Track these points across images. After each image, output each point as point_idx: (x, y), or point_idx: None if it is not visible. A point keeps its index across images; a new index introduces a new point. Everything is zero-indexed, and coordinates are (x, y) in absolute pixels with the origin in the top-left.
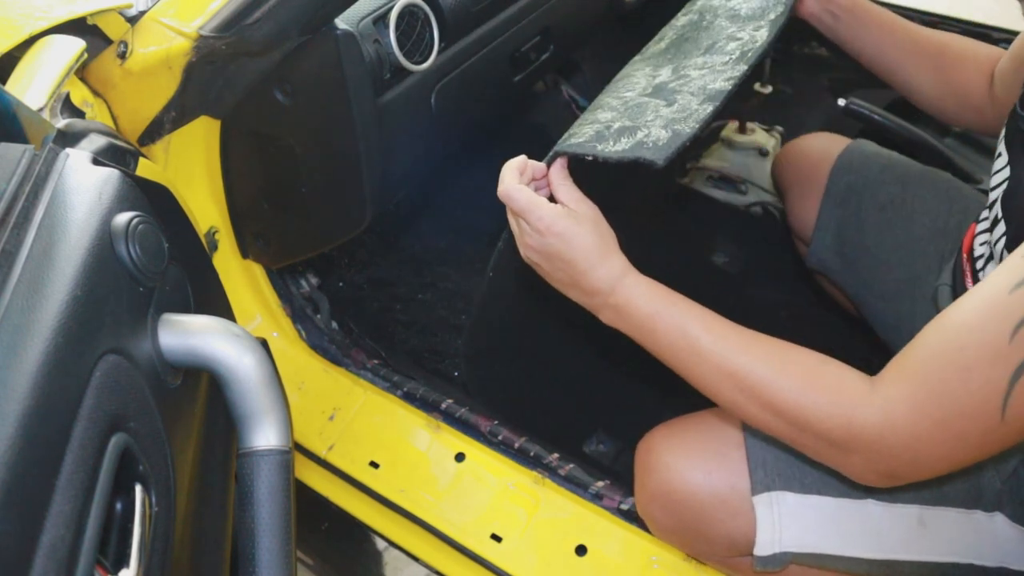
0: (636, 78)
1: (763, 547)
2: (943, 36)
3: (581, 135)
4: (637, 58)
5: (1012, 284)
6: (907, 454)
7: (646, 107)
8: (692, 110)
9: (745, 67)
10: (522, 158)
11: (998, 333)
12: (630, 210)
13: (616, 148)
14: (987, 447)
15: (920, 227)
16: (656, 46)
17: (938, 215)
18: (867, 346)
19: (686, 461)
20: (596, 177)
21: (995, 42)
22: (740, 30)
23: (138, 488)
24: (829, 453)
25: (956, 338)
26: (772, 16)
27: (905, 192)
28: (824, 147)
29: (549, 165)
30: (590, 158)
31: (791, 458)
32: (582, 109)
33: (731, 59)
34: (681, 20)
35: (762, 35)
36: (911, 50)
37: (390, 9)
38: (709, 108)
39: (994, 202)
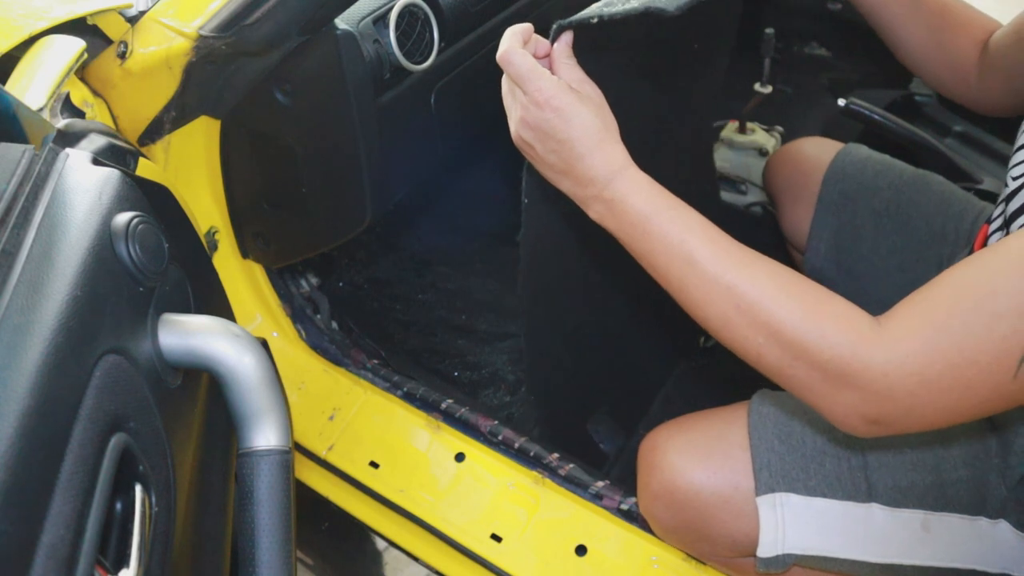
0: None
1: (766, 548)
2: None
3: (586, 11)
4: None
5: None
6: (906, 399)
7: None
8: None
9: None
10: (527, 25)
11: None
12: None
13: (619, 8)
14: (991, 403)
15: (917, 232)
16: None
17: (934, 219)
18: None
19: (690, 460)
20: (607, 74)
21: None
22: None
23: (138, 488)
24: (819, 388)
25: (989, 282)
26: None
27: (900, 197)
28: (815, 153)
29: (553, 41)
30: (595, 20)
31: (796, 460)
32: None
33: None
34: None
35: None
36: (912, 5)
37: (390, 9)
38: None
39: (1018, 189)
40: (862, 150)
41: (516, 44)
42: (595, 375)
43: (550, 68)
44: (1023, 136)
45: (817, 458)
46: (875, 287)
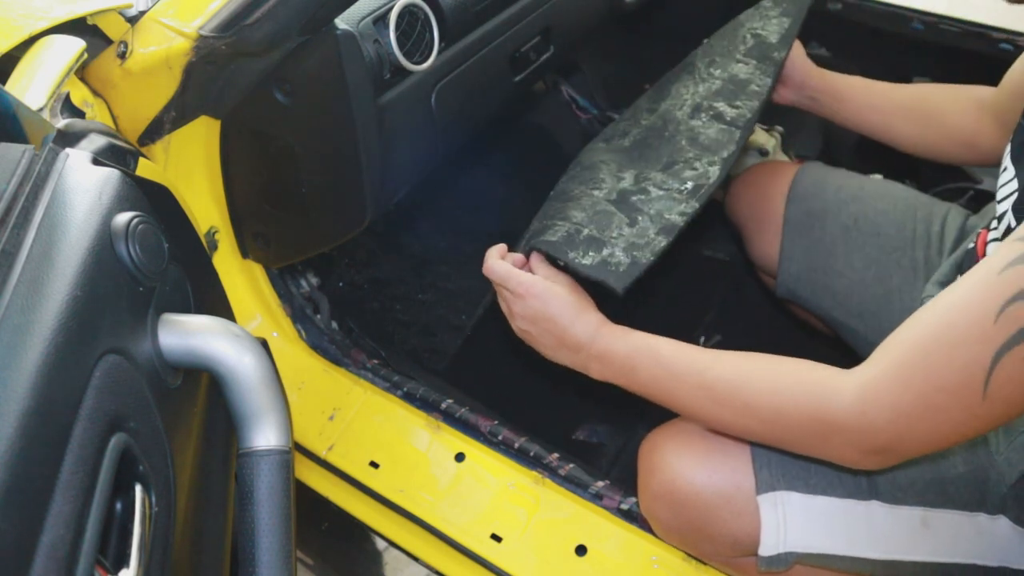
0: (602, 174)
1: (767, 547)
2: (919, 89)
3: (554, 231)
4: (602, 145)
5: (1002, 266)
6: (890, 428)
7: (611, 219)
8: (650, 239)
9: (697, 205)
10: (502, 245)
11: (985, 312)
12: None
13: (585, 262)
14: (970, 424)
15: (890, 240)
16: (620, 141)
17: (904, 225)
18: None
19: (690, 460)
20: None
21: (995, 42)
22: (697, 159)
23: (138, 488)
24: (812, 443)
25: (945, 315)
26: (725, 154)
27: (867, 208)
28: (771, 177)
29: (527, 254)
30: (562, 263)
31: (796, 458)
32: (582, 109)
33: (686, 190)
34: (644, 121)
35: (714, 172)
36: (890, 110)
37: (390, 9)
38: (663, 242)
39: (1003, 213)
40: (818, 168)
41: (495, 257)
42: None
43: (529, 271)
44: (1007, 158)
45: None
46: (855, 301)
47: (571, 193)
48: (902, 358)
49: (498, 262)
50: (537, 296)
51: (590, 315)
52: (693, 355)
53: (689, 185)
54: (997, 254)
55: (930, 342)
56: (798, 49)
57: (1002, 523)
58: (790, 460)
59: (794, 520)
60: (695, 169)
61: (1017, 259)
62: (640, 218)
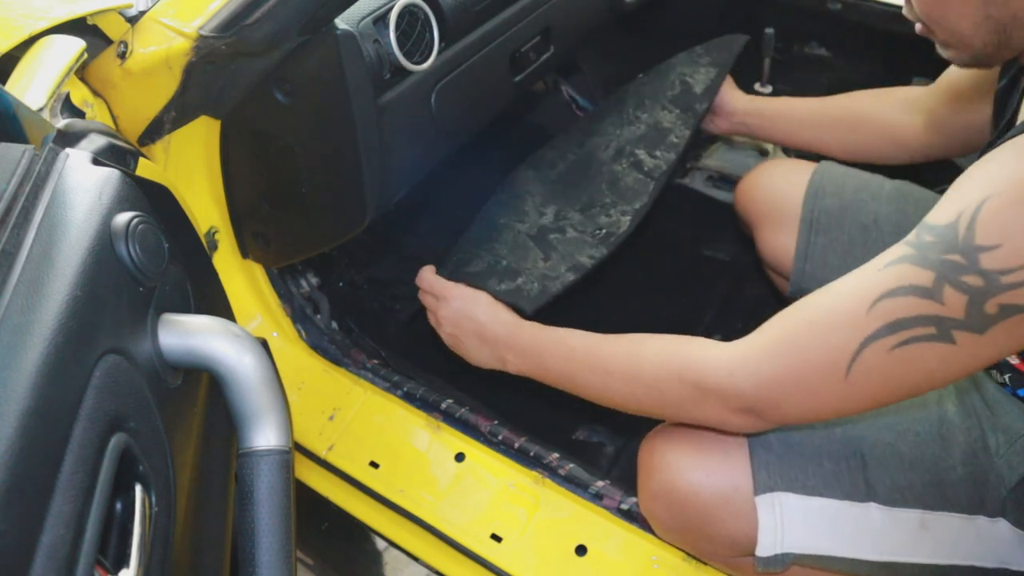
0: (527, 206)
1: (765, 548)
2: (846, 98)
3: (477, 263)
4: (531, 173)
5: (886, 263)
6: (757, 392)
7: (529, 253)
8: (560, 273)
9: (605, 251)
10: (432, 266)
11: (860, 302)
12: None
13: (502, 287)
14: (834, 404)
15: None
16: (548, 172)
17: None
18: None
19: (689, 460)
20: None
21: None
22: (613, 205)
23: (138, 488)
24: (689, 405)
25: (827, 300)
26: (638, 205)
27: (887, 208)
28: (788, 175)
29: (451, 279)
30: (487, 291)
31: (794, 460)
32: (582, 109)
33: (599, 236)
34: (571, 155)
35: (625, 222)
36: (819, 123)
37: (390, 9)
38: (572, 277)
39: None
40: (836, 167)
41: (427, 271)
42: None
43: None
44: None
45: (815, 458)
46: None
47: (497, 223)
48: (780, 333)
49: (430, 274)
50: (460, 298)
51: (508, 315)
52: (593, 338)
53: (602, 232)
54: (886, 252)
55: (807, 322)
56: (726, 81)
57: (1002, 526)
58: (788, 462)
59: (791, 521)
60: (609, 216)
61: (899, 258)
62: (554, 255)
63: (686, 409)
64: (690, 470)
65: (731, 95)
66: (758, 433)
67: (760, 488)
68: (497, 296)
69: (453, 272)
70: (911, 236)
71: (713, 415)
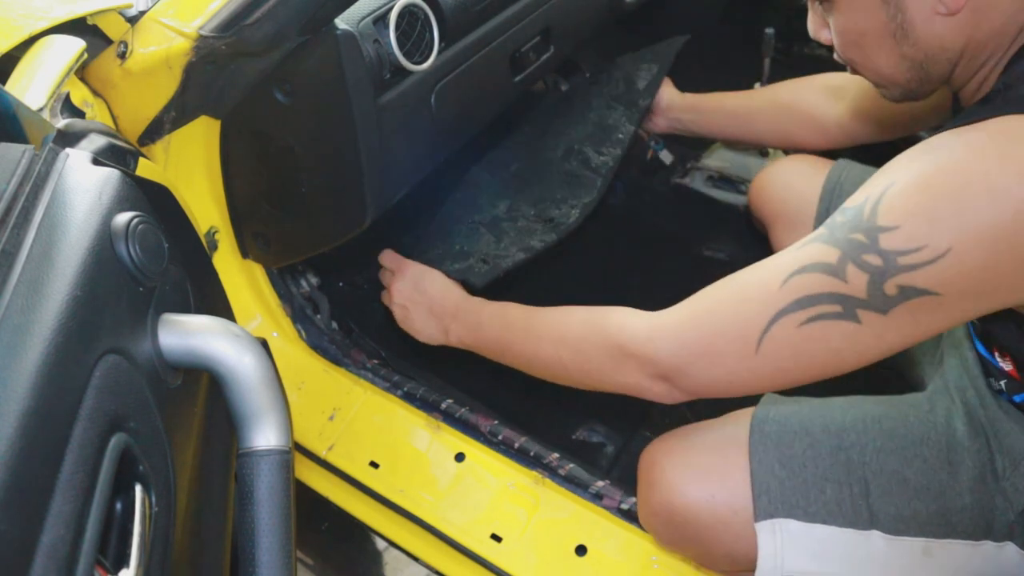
0: (481, 200)
1: (764, 573)
2: (773, 88)
3: (433, 251)
4: (486, 176)
5: (804, 242)
6: (673, 359)
7: (481, 238)
8: (511, 254)
9: (555, 236)
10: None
11: (775, 276)
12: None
13: (454, 267)
14: (745, 376)
15: None
16: (503, 171)
17: None
18: None
19: (689, 481)
20: None
21: None
22: (564, 201)
23: (138, 488)
24: (609, 369)
25: (747, 274)
26: (587, 199)
27: None
28: (805, 173)
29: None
30: (440, 270)
31: (796, 486)
32: None
33: (550, 224)
34: (523, 156)
35: (574, 215)
36: (748, 113)
37: (390, 9)
38: (522, 256)
39: None
40: (854, 165)
41: (389, 252)
42: None
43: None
44: None
45: (818, 484)
46: None
47: (453, 216)
48: (700, 302)
49: (390, 252)
50: (413, 274)
51: (458, 290)
52: (531, 310)
53: (552, 223)
54: (808, 235)
55: (725, 293)
56: (664, 80)
57: (1009, 550)
58: (790, 487)
59: (792, 548)
60: (559, 209)
61: (815, 237)
62: (505, 239)
63: (607, 374)
64: (690, 490)
65: (666, 92)
66: (677, 404)
67: (761, 514)
68: (449, 274)
69: (413, 256)
70: (829, 218)
71: (632, 380)
